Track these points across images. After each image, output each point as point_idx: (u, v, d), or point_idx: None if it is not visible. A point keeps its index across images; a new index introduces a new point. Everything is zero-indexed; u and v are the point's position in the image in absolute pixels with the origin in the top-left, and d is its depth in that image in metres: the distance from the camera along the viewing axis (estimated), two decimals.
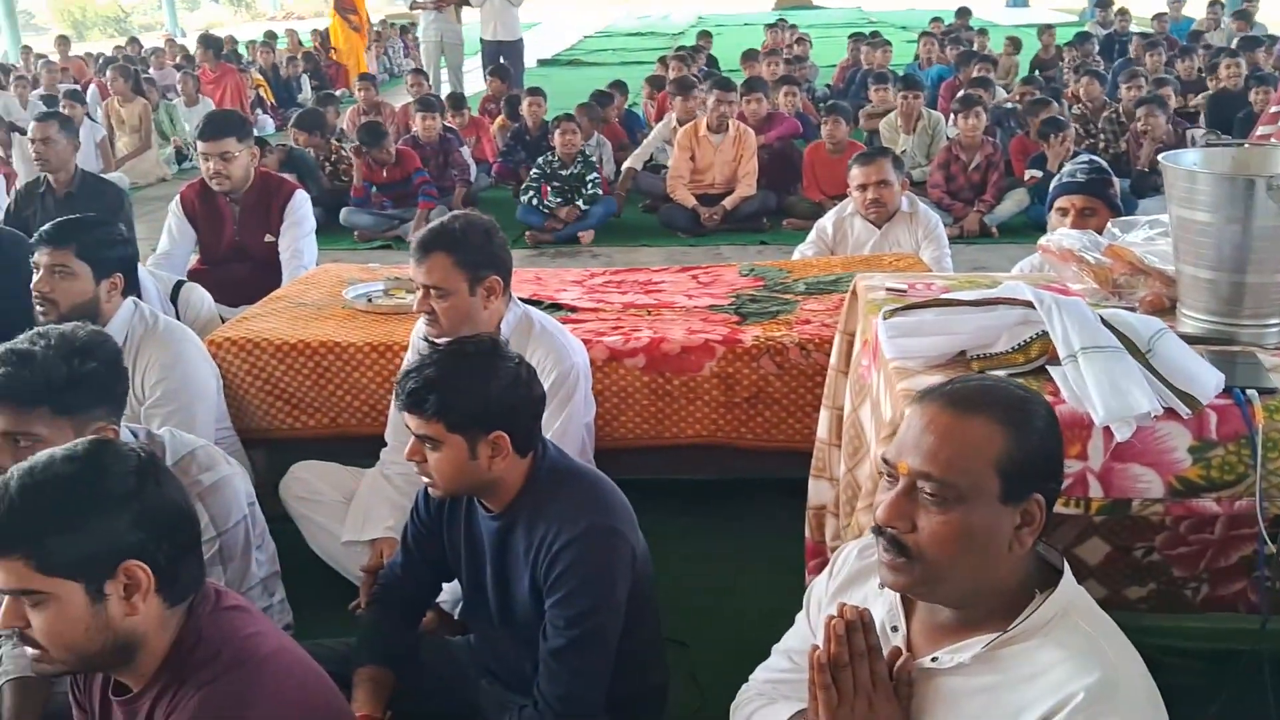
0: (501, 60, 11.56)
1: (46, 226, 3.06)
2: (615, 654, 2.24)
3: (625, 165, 8.28)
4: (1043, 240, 2.63)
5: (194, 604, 1.72)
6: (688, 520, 3.51)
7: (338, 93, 12.73)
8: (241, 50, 14.90)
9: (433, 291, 2.83)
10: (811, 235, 4.91)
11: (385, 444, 3.23)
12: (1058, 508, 1.66)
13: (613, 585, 2.21)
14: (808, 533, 2.83)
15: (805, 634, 1.90)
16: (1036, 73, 12.10)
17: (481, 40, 12.15)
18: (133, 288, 3.17)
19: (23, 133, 8.87)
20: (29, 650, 1.63)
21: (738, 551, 3.42)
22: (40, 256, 3.02)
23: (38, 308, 3.03)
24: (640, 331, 3.52)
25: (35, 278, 3.02)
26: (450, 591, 2.73)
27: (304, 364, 3.53)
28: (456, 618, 2.78)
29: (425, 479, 2.27)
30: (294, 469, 3.28)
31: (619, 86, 9.83)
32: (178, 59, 14.44)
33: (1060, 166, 5.44)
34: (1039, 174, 7.11)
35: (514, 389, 2.21)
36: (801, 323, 3.57)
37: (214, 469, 2.40)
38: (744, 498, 3.65)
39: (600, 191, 7.52)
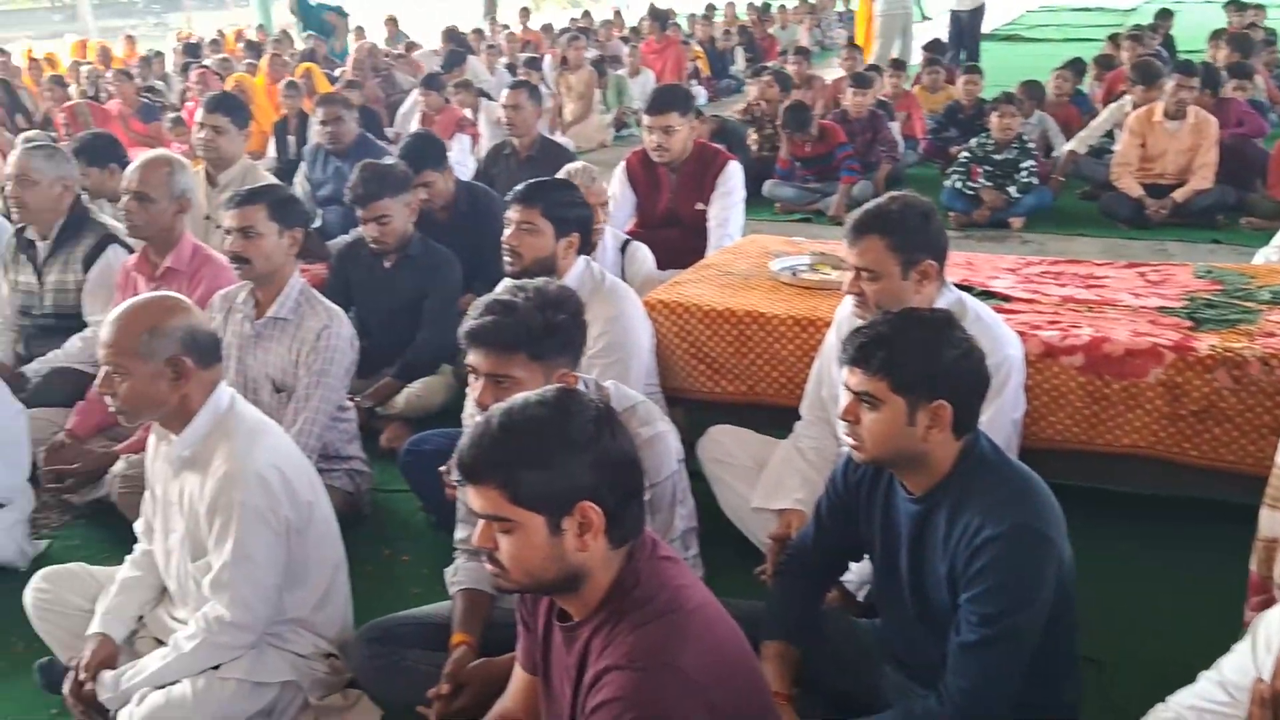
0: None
1: (519, 186, 3.35)
2: (1027, 663, 2.15)
3: (1066, 148, 7.83)
4: None
5: (634, 548, 1.84)
6: (1114, 533, 3.29)
7: (770, 64, 12.97)
8: (681, 23, 15.52)
9: (864, 274, 2.82)
10: (1278, 239, 4.42)
11: (800, 417, 3.28)
12: None
13: (1035, 589, 2.12)
14: (1253, 565, 2.56)
15: (1246, 667, 1.74)
16: None
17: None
18: (585, 246, 3.41)
19: (489, 97, 9.81)
20: (490, 569, 1.81)
21: (1167, 572, 3.18)
22: (511, 212, 3.32)
23: (505, 259, 3.34)
24: (1080, 328, 3.33)
25: (505, 231, 3.33)
26: (856, 571, 2.74)
27: (728, 331, 3.66)
28: (861, 599, 2.79)
29: (852, 441, 2.26)
30: (711, 431, 3.41)
31: (1074, 65, 9.25)
32: (625, 31, 15.31)
33: None
34: None
35: (965, 361, 2.17)
36: (1265, 335, 3.22)
37: (652, 424, 2.54)
38: (1180, 516, 3.38)
39: (1035, 181, 7.15)
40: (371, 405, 4.23)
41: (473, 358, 2.40)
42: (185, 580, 2.63)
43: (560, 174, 4.33)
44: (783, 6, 17.84)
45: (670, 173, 5.08)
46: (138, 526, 2.81)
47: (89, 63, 13.02)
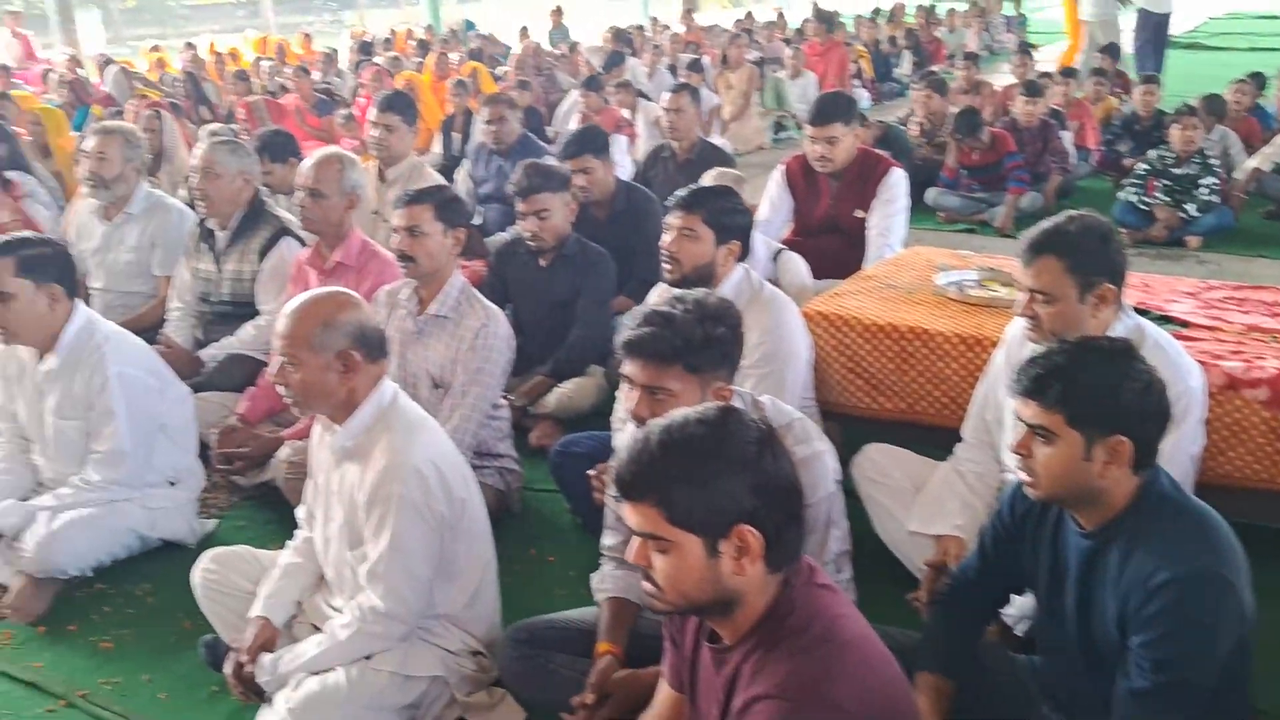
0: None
1: (681, 192, 3.34)
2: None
3: (1250, 164, 7.40)
4: None
5: (791, 574, 1.80)
6: None
7: (936, 69, 12.67)
8: (847, 23, 15.31)
9: (1039, 296, 2.70)
10: None
11: (961, 438, 3.17)
12: None
13: (1213, 637, 2.00)
14: None
15: None
16: None
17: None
18: (745, 251, 3.37)
19: (647, 98, 9.85)
20: (645, 587, 1.79)
21: None
22: (671, 218, 3.30)
23: (664, 265, 3.32)
24: (1265, 360, 3.12)
25: (665, 237, 3.31)
26: (1016, 605, 2.63)
27: (889, 346, 3.56)
28: (1020, 634, 2.68)
29: (1026, 476, 2.18)
30: (867, 449, 3.33)
31: (1255, 77, 8.75)
32: (787, 32, 15.18)
33: None
34: None
35: (1146, 395, 2.07)
36: None
37: (808, 442, 2.49)
38: None
39: (1216, 199, 6.77)
40: (524, 403, 4.28)
41: (629, 368, 2.39)
42: (342, 568, 2.70)
43: (710, 176, 4.30)
44: (952, 10, 17.38)
45: (831, 179, 4.98)
46: (299, 513, 2.90)
47: (270, 59, 13.60)
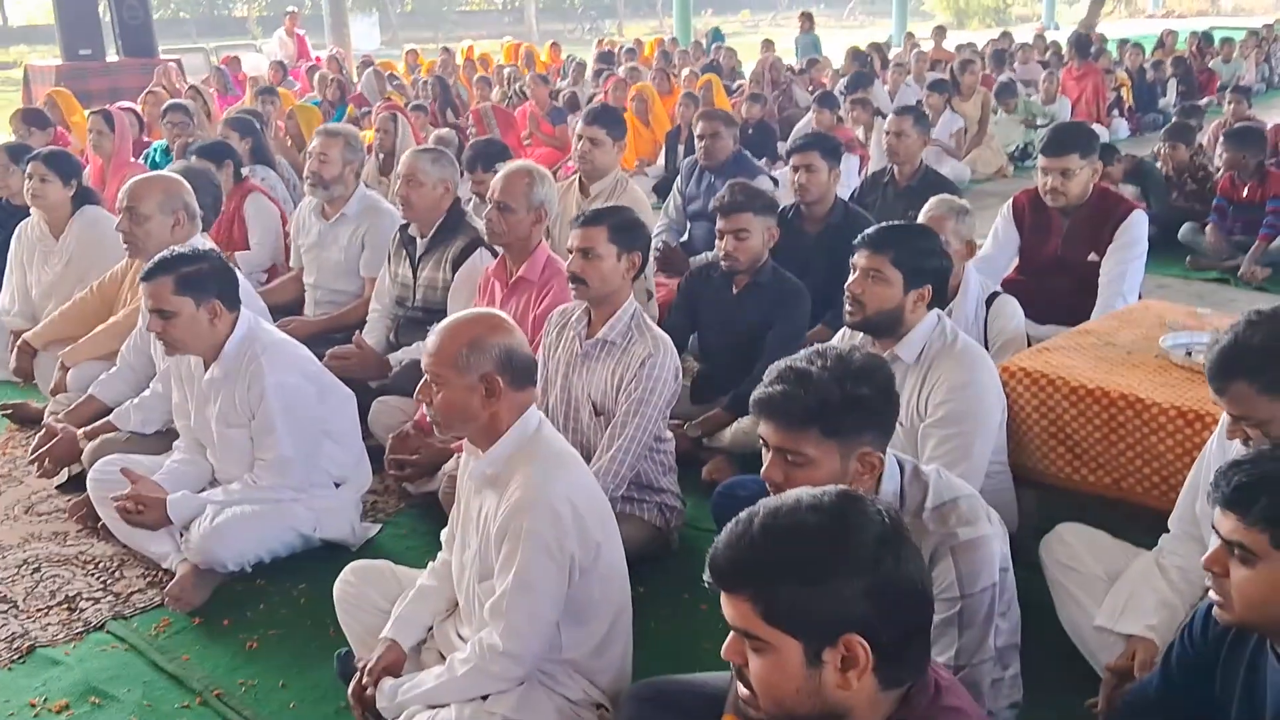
0: None
1: (871, 231, 3.08)
2: None
3: None
4: None
5: (911, 692, 1.55)
6: None
7: (1202, 102, 11.70)
8: (1111, 49, 14.35)
9: (1241, 420, 2.34)
10: None
11: (1168, 529, 2.79)
12: None
13: None
14: None
15: None
16: None
17: None
18: (938, 299, 3.08)
19: (883, 117, 9.49)
20: (739, 689, 1.59)
21: None
22: (858, 258, 3.06)
23: (846, 307, 3.08)
24: None
25: (850, 277, 3.07)
26: None
27: (1097, 413, 3.18)
28: None
29: (1217, 597, 1.86)
30: (1060, 530, 2.98)
31: None
32: (1046, 55, 14.38)
33: None
34: None
35: None
36: None
37: (974, 524, 2.21)
38: None
39: None
40: (699, 435, 4.11)
41: (762, 428, 2.18)
42: (472, 599, 2.61)
43: (930, 205, 4.00)
44: (1228, 39, 15.99)
45: (1063, 216, 4.59)
46: (444, 534, 2.84)
47: (513, 65, 13.98)
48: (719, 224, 4.23)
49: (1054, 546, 2.95)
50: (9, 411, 4.69)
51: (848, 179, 8.37)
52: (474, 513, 2.61)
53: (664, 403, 3.36)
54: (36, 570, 3.51)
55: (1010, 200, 4.86)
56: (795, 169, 4.85)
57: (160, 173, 4.31)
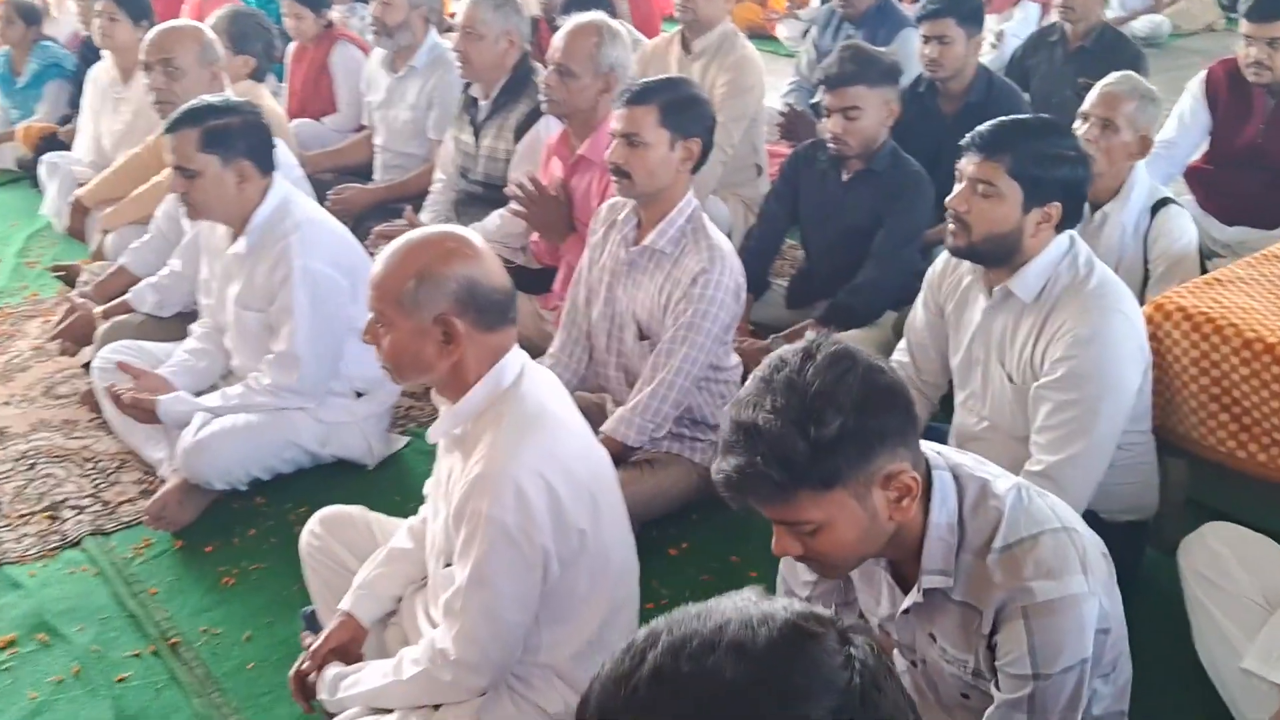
0: None
1: (985, 129, 2.33)
2: None
3: None
4: None
5: None
6: None
7: None
8: None
9: None
10: None
11: None
12: None
13: None
14: None
15: None
16: None
17: None
18: (1071, 218, 2.35)
19: None
20: None
21: None
22: (966, 164, 2.33)
23: (949, 227, 2.38)
24: None
25: (955, 189, 2.36)
26: None
27: (1277, 374, 2.43)
28: None
29: None
30: (1208, 531, 2.27)
31: None
32: None
33: None
34: None
35: None
36: None
37: (1060, 576, 1.56)
38: None
39: None
40: None
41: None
42: (437, 578, 2.13)
43: (1109, 80, 3.17)
44: None
45: (1269, 97, 3.73)
46: (428, 483, 2.35)
47: None
48: (825, 99, 3.50)
49: (1196, 552, 2.26)
50: (62, 274, 4.41)
51: (1023, 31, 7.33)
52: (443, 476, 2.11)
53: (720, 328, 2.75)
54: (32, 467, 3.21)
55: (1203, 73, 3.97)
56: (926, 39, 4.00)
57: (186, 20, 3.82)
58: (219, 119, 2.89)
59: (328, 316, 2.99)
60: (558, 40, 3.34)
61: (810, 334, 1.67)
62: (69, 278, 4.36)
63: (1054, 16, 7.38)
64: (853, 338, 3.40)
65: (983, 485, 1.63)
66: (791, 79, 5.53)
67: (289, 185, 3.07)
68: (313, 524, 2.44)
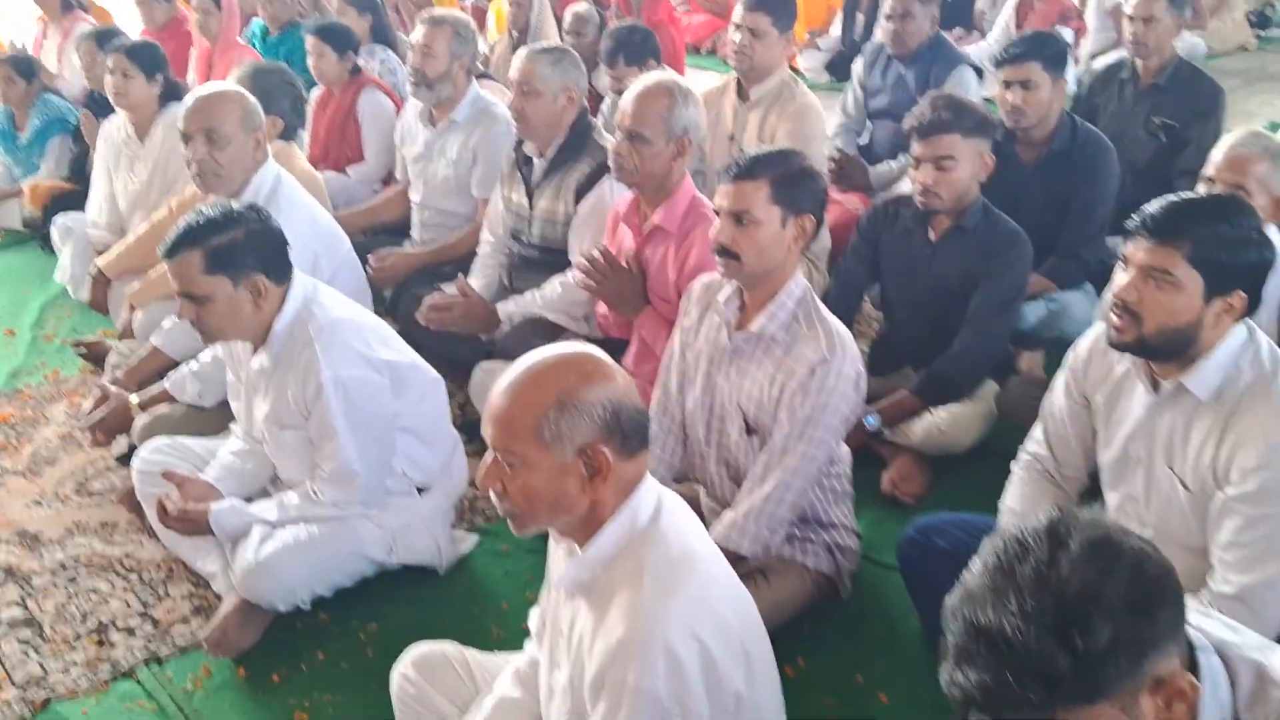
0: None
1: (1152, 209, 2.07)
2: None
3: None
4: None
5: None
6: None
7: None
8: None
9: None
10: None
11: None
12: None
13: None
14: None
15: None
16: None
17: None
18: (1253, 306, 2.10)
19: None
20: None
21: None
22: (1134, 249, 2.07)
23: (1112, 318, 2.13)
24: None
25: (1121, 276, 2.11)
26: None
27: None
28: None
29: None
30: None
31: None
32: None
33: None
34: None
35: None
36: None
37: None
38: None
39: None
40: (878, 428, 3.22)
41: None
42: None
43: (1231, 142, 2.93)
44: None
45: None
46: (532, 617, 2.09)
47: None
48: (915, 149, 3.25)
49: None
50: (85, 350, 4.14)
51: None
52: (564, 624, 1.85)
53: (840, 422, 2.49)
54: (73, 580, 2.93)
55: None
56: (1007, 84, 3.76)
57: (228, 85, 3.53)
58: (222, 235, 2.59)
59: (371, 422, 2.71)
60: (627, 104, 3.09)
61: (1048, 513, 1.38)
62: (94, 355, 4.09)
63: (1087, 43, 7.27)
64: (955, 414, 3.20)
65: (1259, 670, 1.37)
66: (836, 119, 5.29)
67: (309, 282, 2.77)
68: (405, 667, 2.17)
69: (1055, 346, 3.68)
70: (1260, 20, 8.75)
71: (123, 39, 4.85)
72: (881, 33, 5.04)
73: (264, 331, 2.69)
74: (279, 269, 2.67)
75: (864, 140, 5.15)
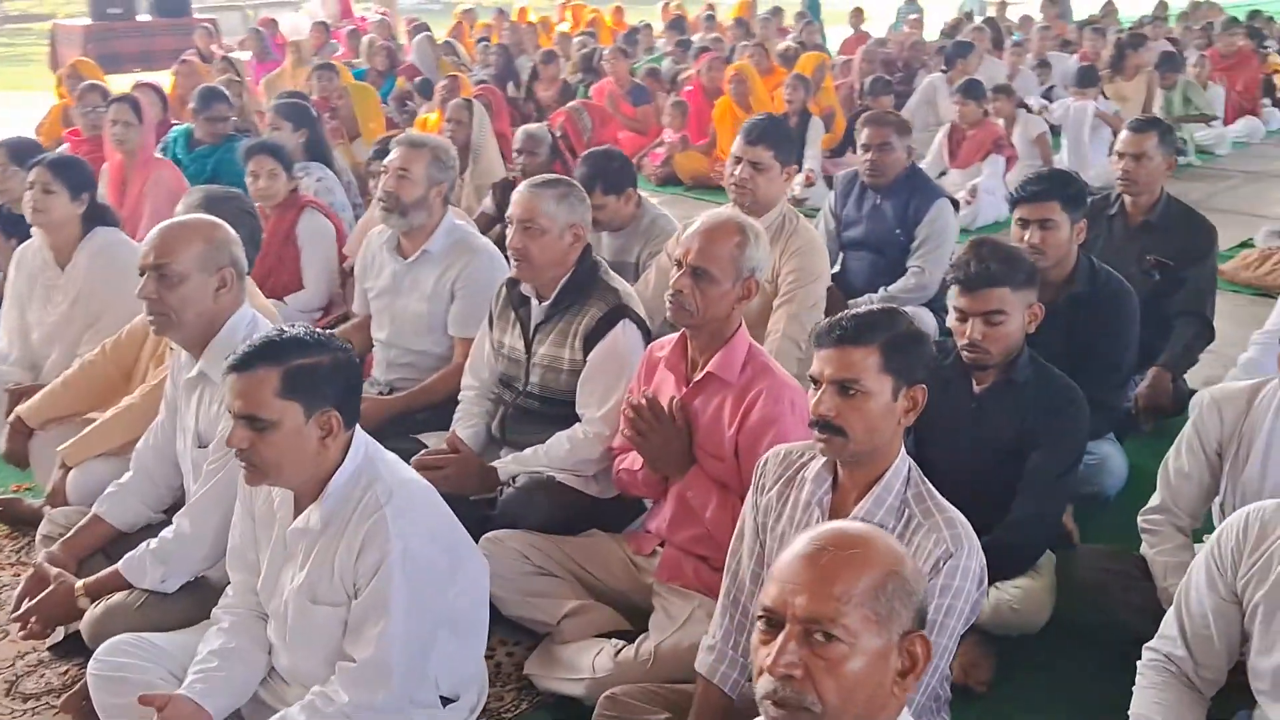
0: None
1: None
2: None
3: None
4: None
5: None
6: None
7: None
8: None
9: None
10: None
11: None
12: None
13: None
14: None
15: None
16: None
17: None
18: None
19: (1027, 108, 8.19)
20: None
21: None
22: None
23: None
24: None
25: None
26: None
27: None
28: None
29: None
30: None
31: None
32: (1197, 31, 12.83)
33: None
34: None
35: None
36: None
37: None
38: None
39: None
40: None
41: None
42: None
43: None
44: None
45: None
46: None
47: (586, 32, 12.65)
48: (959, 300, 3.04)
49: None
50: (1, 509, 3.58)
51: (994, 186, 7.20)
52: None
53: (962, 624, 2.18)
54: None
55: None
56: (1024, 223, 3.60)
57: (196, 216, 3.09)
58: (306, 356, 2.25)
59: (425, 609, 2.31)
60: (692, 240, 2.80)
61: None
62: (11, 515, 3.55)
63: (1017, 170, 7.34)
64: (1026, 589, 2.91)
65: None
66: None
67: (370, 439, 2.41)
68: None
69: (1090, 502, 3.50)
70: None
71: (44, 153, 4.38)
72: (859, 164, 4.90)
73: (319, 483, 2.29)
74: (351, 411, 2.31)
75: (835, 269, 4.97)
